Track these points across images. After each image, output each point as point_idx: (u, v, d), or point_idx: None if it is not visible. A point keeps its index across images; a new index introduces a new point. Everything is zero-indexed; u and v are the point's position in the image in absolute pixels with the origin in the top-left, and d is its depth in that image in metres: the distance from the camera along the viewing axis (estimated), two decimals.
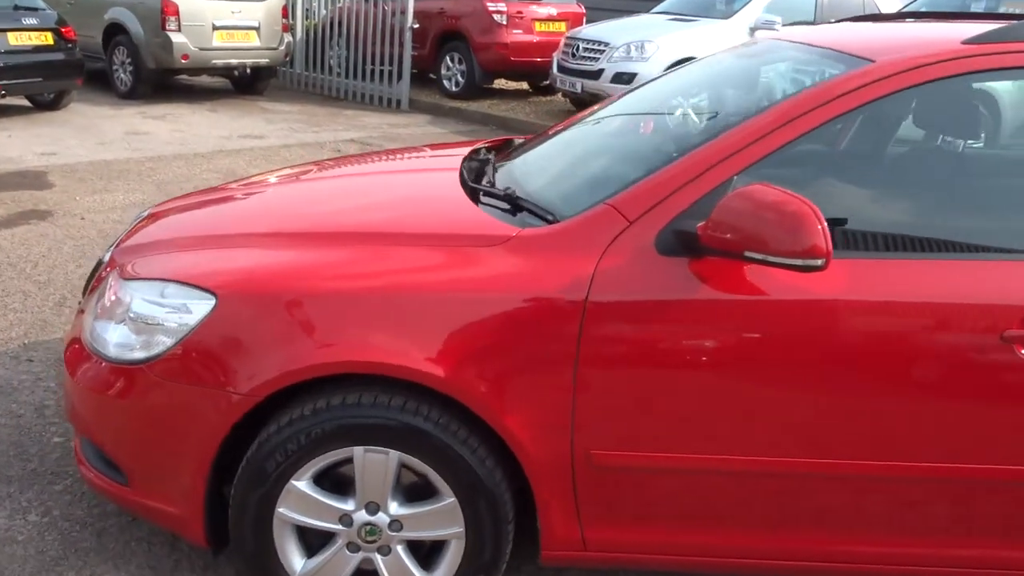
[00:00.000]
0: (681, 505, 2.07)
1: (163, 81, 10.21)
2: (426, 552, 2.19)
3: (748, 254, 1.84)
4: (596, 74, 9.09)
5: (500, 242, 2.06)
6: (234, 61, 10.04)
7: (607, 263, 1.98)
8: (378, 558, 2.15)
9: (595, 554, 2.13)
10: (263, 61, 10.28)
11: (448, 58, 10.80)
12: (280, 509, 2.10)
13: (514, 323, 1.97)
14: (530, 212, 2.21)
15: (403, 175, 2.85)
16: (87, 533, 2.58)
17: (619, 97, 3.02)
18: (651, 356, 1.96)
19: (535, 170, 2.57)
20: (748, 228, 1.82)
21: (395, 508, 2.11)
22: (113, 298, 2.25)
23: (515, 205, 2.27)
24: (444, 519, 2.10)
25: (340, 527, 2.12)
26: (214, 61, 9.88)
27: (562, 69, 9.60)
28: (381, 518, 2.11)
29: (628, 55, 8.91)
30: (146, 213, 2.80)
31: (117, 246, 2.50)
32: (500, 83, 11.62)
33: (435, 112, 10.28)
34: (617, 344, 1.96)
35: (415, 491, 2.12)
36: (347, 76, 10.95)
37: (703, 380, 1.96)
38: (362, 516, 2.11)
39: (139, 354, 2.12)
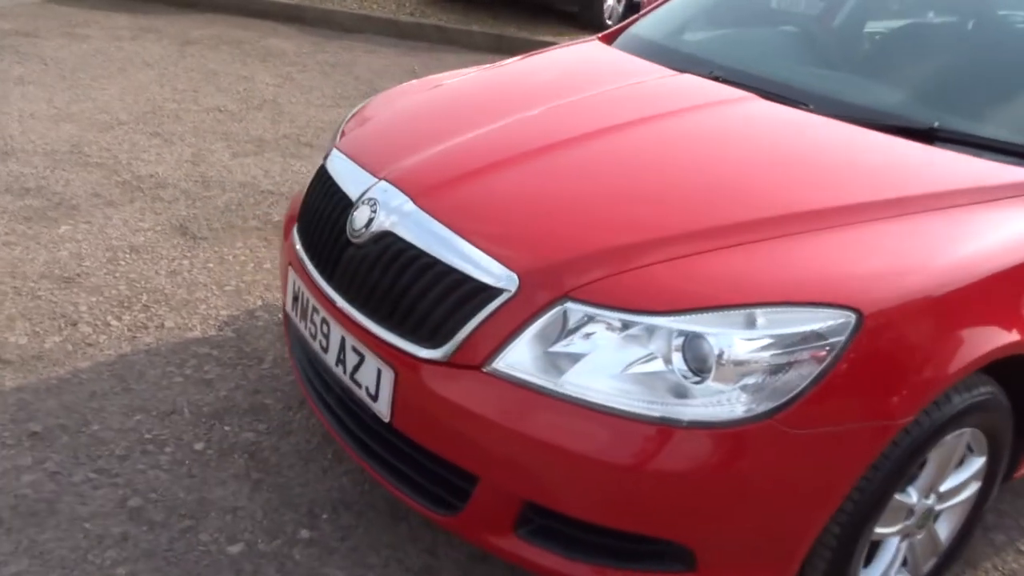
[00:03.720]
0: None
1: None
2: None
3: None
4: None
5: None
6: None
7: None
8: (916, 539, 2.02)
9: None
10: None
11: None
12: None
13: None
14: (979, 147, 2.08)
15: (701, 113, 2.27)
16: None
17: None
18: None
19: (891, 91, 2.33)
20: None
21: (943, 484, 1.98)
22: (619, 340, 1.63)
23: (932, 136, 2.12)
24: (968, 479, 2.04)
25: (903, 524, 1.93)
26: None
27: None
28: (932, 499, 1.97)
29: None
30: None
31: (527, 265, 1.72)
32: None
33: None
34: None
35: None
36: None
37: None
38: (923, 504, 1.95)
39: (739, 409, 1.59)
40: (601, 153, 2.06)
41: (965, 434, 1.91)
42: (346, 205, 2.04)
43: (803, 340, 1.60)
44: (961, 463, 2.02)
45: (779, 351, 1.60)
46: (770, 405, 1.59)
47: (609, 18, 8.42)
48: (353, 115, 2.55)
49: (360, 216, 1.94)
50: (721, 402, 1.59)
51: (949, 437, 1.86)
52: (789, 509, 1.68)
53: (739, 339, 1.60)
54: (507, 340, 1.69)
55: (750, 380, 1.59)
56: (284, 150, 4.64)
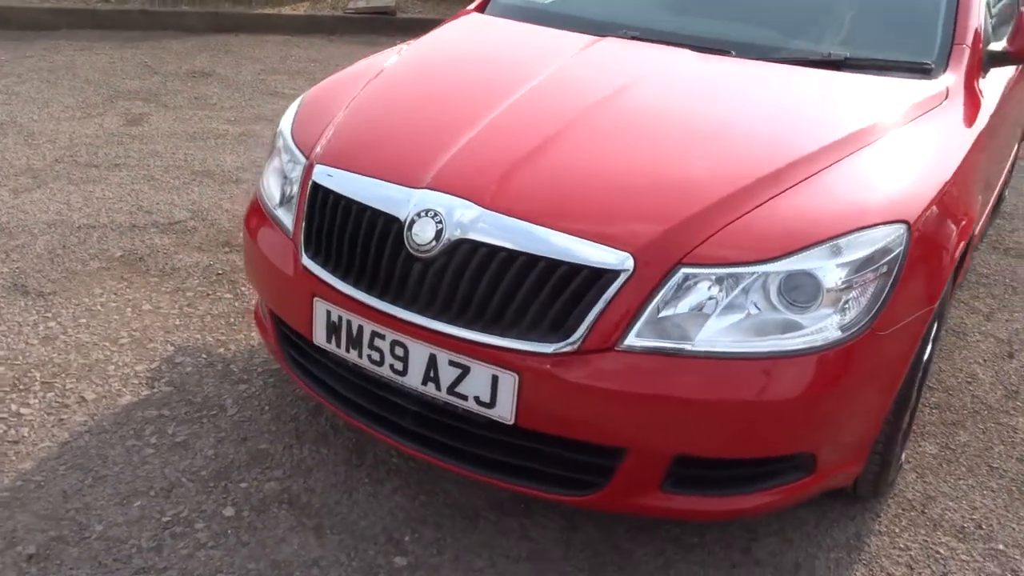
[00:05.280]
0: None
1: None
2: None
3: None
4: None
5: (944, 98, 2.37)
6: None
7: (979, 84, 2.54)
8: None
9: None
10: None
11: None
12: None
13: (974, 152, 2.39)
14: (882, 68, 2.47)
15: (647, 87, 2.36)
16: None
17: None
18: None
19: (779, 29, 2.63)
20: None
21: None
22: (743, 291, 1.81)
23: (837, 64, 2.47)
24: None
25: None
26: None
27: None
28: None
29: None
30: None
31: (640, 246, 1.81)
32: None
33: None
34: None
35: None
36: None
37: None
38: None
39: (843, 329, 1.83)
40: (617, 122, 2.15)
41: None
42: (388, 221, 1.96)
43: (876, 257, 1.87)
44: None
45: (864, 270, 1.85)
46: (865, 318, 1.86)
47: None
48: (294, 125, 2.39)
49: (424, 230, 1.89)
50: (828, 327, 1.83)
51: None
52: (876, 398, 1.98)
53: (834, 268, 1.83)
54: (634, 316, 1.79)
55: (846, 301, 1.84)
56: (69, 177, 4.09)
